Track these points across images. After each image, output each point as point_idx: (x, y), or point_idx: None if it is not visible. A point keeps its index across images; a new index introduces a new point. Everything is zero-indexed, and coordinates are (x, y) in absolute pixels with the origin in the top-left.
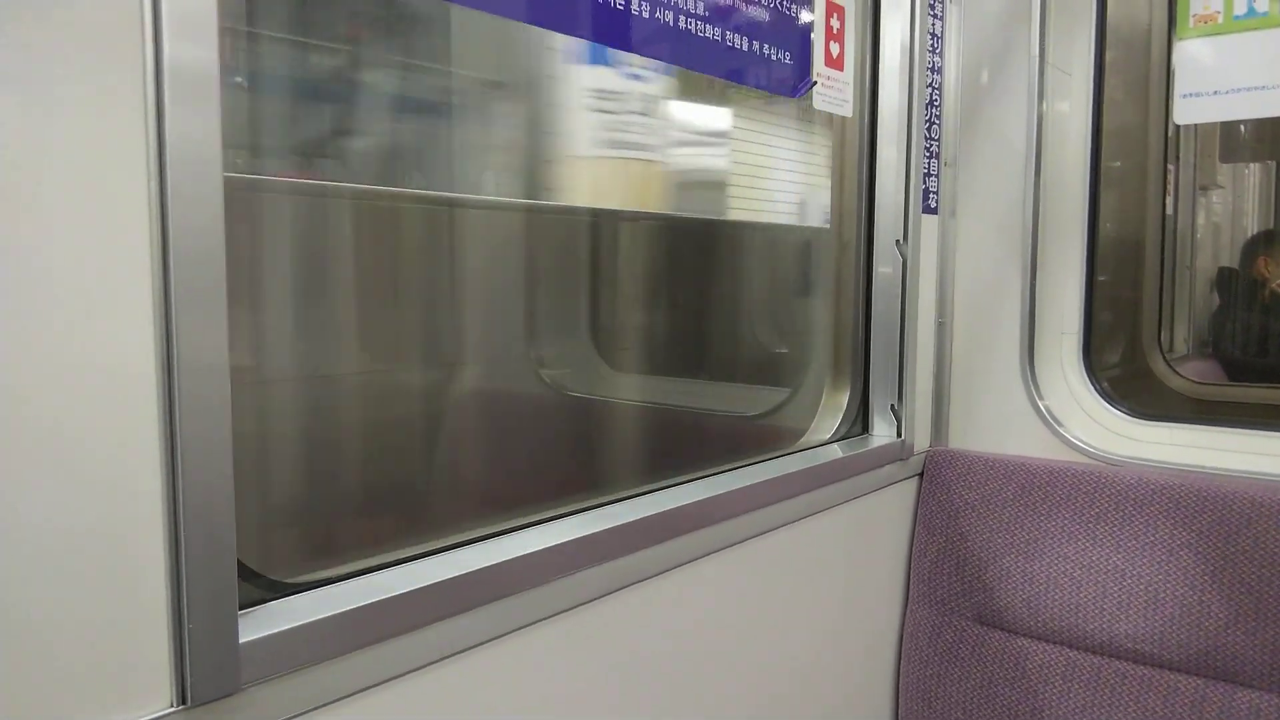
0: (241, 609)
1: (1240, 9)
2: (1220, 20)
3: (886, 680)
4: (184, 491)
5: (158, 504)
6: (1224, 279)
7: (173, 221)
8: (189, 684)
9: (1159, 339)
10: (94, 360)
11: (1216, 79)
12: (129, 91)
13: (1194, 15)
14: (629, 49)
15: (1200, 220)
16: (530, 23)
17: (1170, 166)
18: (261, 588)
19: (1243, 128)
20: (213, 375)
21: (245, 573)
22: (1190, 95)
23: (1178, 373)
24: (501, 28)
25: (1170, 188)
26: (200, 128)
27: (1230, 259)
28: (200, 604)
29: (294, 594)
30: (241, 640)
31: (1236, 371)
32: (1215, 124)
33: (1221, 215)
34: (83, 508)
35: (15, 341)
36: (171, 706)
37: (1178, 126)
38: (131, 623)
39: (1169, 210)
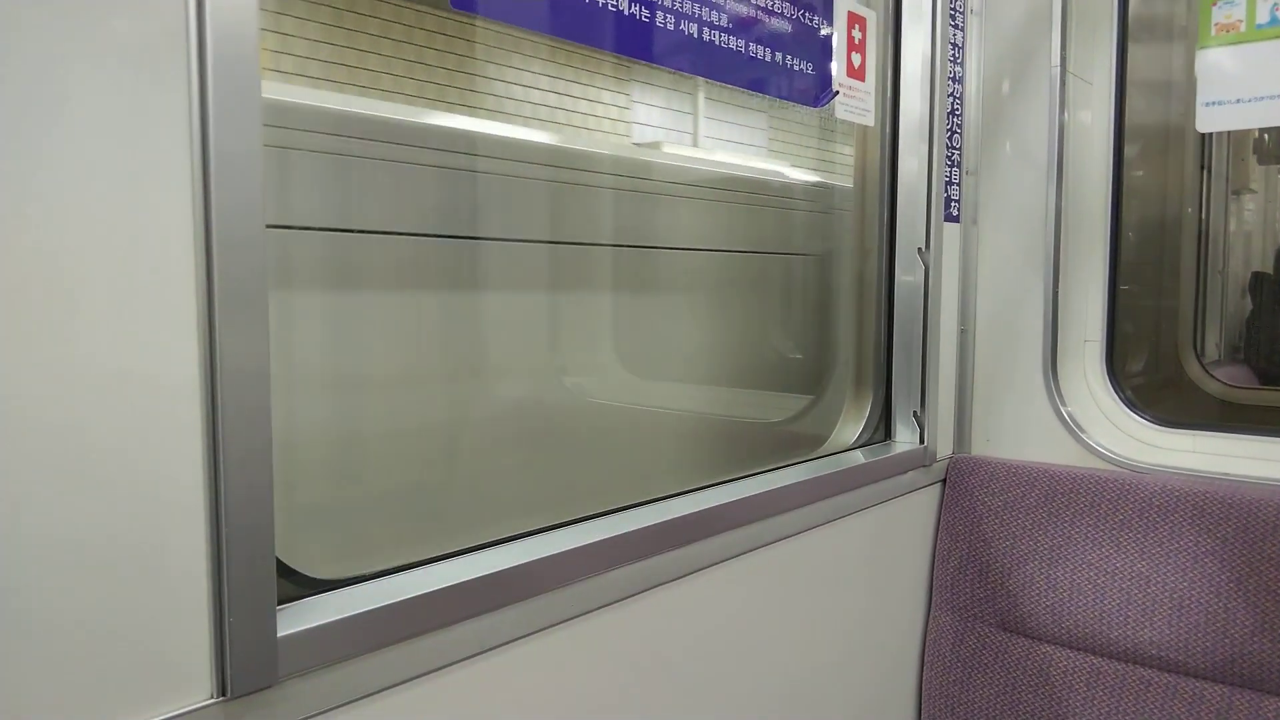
0: (279, 604)
1: (1263, 17)
2: (1243, 29)
3: (909, 686)
4: (225, 490)
5: (200, 502)
6: (1256, 284)
7: (216, 230)
8: (229, 676)
9: (1194, 344)
10: (139, 362)
11: (1239, 87)
12: (173, 102)
13: (1216, 24)
14: (654, 60)
15: (1232, 225)
16: (557, 34)
17: (1202, 171)
18: (297, 584)
19: (1265, 136)
20: (254, 377)
21: (282, 569)
22: (1212, 104)
23: (1213, 377)
24: None
25: (1203, 192)
26: (243, 137)
27: (1263, 263)
28: (240, 599)
29: (329, 590)
30: (279, 634)
31: (1268, 377)
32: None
33: (1253, 220)
34: (128, 506)
35: (63, 347)
36: (211, 698)
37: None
38: (174, 617)
39: (1202, 215)
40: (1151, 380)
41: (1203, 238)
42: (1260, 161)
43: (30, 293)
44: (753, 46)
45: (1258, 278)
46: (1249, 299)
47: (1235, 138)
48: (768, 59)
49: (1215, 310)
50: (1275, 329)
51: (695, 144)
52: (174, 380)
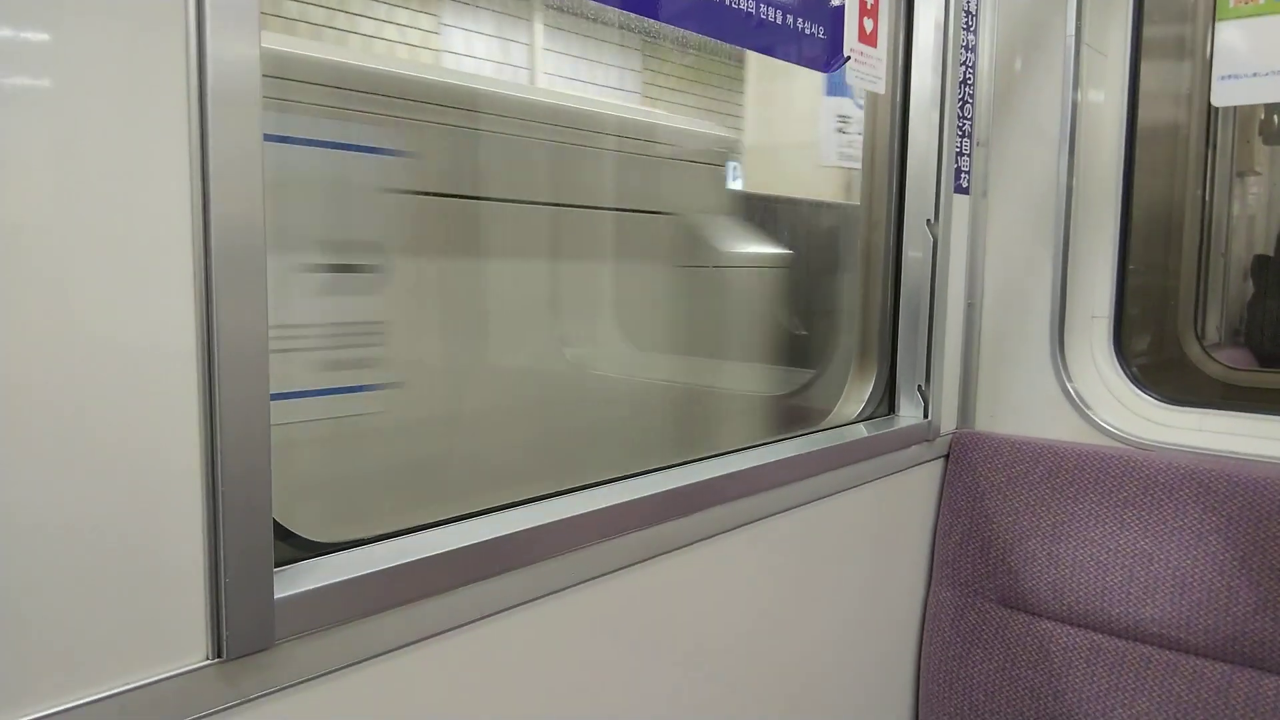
0: (276, 567)
1: None
2: (1261, 1)
3: (908, 661)
4: (222, 453)
5: (196, 465)
6: (1259, 266)
7: (214, 196)
8: (225, 638)
9: (1195, 325)
10: (135, 329)
11: (1256, 61)
12: (171, 72)
13: None
14: (660, 19)
15: (1235, 207)
16: None
17: (1208, 151)
18: (296, 547)
19: (1276, 117)
20: (252, 341)
21: (280, 532)
22: (1229, 77)
23: (1214, 358)
24: None
25: (1207, 174)
26: (241, 102)
27: (1265, 246)
28: (236, 560)
29: (328, 553)
30: (276, 597)
31: (1269, 359)
32: (1255, 108)
33: (1257, 202)
34: (124, 469)
35: (59, 316)
36: (208, 659)
37: (1216, 110)
38: (170, 578)
39: (1206, 196)
40: (1151, 361)
41: (1205, 219)
42: (1266, 142)
43: (23, 262)
44: (764, 9)
45: (1260, 261)
46: (1251, 282)
47: (1241, 118)
48: (778, 22)
49: (1217, 292)
50: (1276, 312)
51: (532, 81)
52: (171, 344)
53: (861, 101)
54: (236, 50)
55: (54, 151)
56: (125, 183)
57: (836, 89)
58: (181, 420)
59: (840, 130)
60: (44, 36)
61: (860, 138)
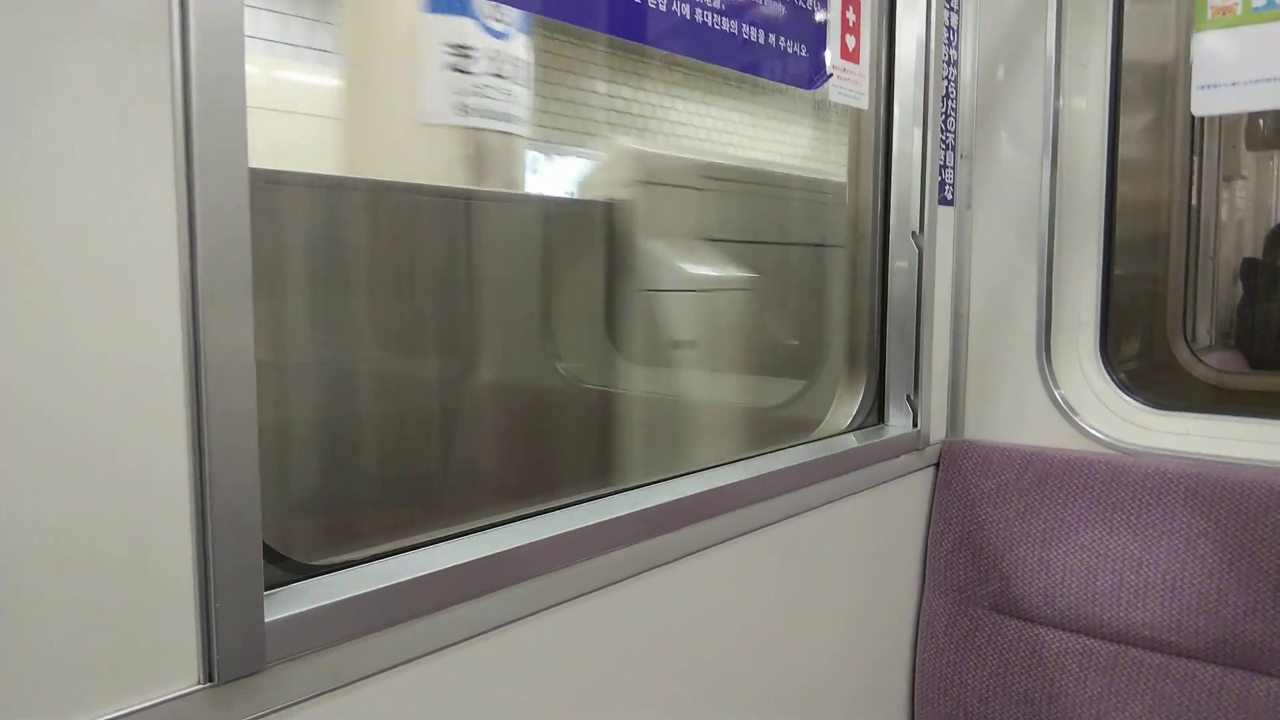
0: (267, 590)
1: (1259, 1)
2: (1239, 12)
3: (903, 669)
4: (211, 476)
5: (185, 488)
6: (1248, 269)
7: (200, 215)
8: (216, 662)
9: (1183, 329)
10: (123, 349)
11: (1235, 71)
12: (155, 86)
13: (1212, 7)
14: (645, 42)
15: (1223, 211)
16: (543, 14)
17: (1194, 157)
18: (286, 569)
19: (1261, 121)
20: (239, 362)
21: (270, 555)
22: (1208, 87)
23: (1202, 362)
24: None
25: (1194, 178)
26: (226, 121)
27: (1254, 249)
28: (226, 584)
29: (318, 575)
30: (267, 620)
31: (1260, 362)
32: (1240, 115)
33: (1244, 206)
34: (113, 492)
35: (46, 335)
36: (199, 684)
37: (1201, 118)
38: (160, 602)
39: (1193, 201)
40: (1140, 366)
41: (1193, 224)
42: (1249, 148)
43: (11, 279)
44: (746, 29)
45: (1249, 263)
46: (1240, 285)
47: (1227, 125)
48: (761, 41)
49: (1207, 296)
50: (1266, 314)
51: None
52: (158, 366)
53: (498, 25)
54: (221, 70)
55: (42, 170)
56: (112, 201)
57: (447, 5)
58: (170, 442)
59: (459, 69)
60: (31, 58)
61: (503, 80)
